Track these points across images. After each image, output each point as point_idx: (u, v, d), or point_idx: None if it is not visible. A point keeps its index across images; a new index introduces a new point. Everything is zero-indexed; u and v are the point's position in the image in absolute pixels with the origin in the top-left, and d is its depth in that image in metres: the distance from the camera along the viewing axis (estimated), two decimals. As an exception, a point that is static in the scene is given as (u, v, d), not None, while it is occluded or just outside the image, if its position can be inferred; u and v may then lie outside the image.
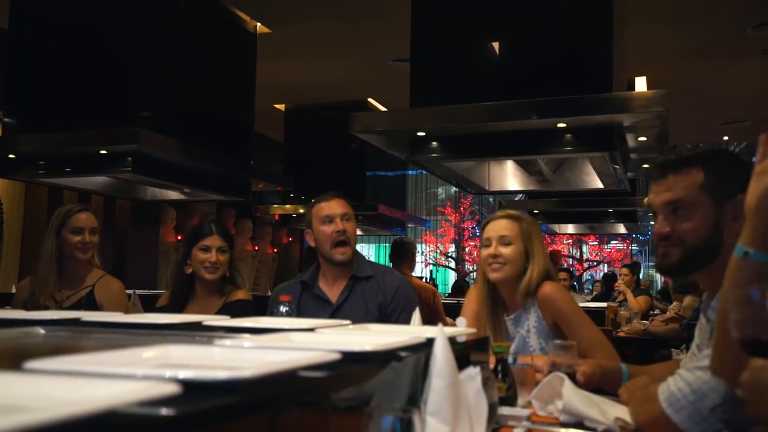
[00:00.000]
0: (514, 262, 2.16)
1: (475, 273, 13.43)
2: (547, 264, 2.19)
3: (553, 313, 2.12)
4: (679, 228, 1.41)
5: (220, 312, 2.57)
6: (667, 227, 1.42)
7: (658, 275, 12.67)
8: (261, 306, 3.09)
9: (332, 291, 2.48)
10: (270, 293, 3.95)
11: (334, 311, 2.41)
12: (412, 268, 5.03)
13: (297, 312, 2.41)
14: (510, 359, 1.67)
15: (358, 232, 4.92)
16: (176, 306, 2.58)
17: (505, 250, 2.17)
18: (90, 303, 2.71)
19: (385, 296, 2.42)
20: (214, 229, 2.65)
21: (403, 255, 4.93)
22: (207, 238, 2.60)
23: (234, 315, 2.27)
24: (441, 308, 4.89)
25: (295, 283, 2.59)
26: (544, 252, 2.19)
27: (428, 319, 3.37)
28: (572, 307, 2.13)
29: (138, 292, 3.64)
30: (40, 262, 2.71)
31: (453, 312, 4.62)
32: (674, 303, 5.71)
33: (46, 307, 2.61)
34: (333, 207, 2.47)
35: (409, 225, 8.68)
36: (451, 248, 14.17)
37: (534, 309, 2.17)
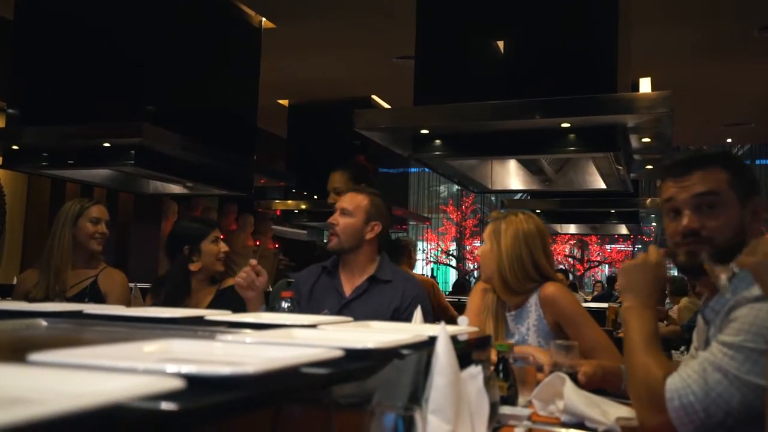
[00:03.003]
0: (484, 264, 2.23)
1: (476, 271, 13.44)
2: (519, 260, 2.15)
3: (556, 314, 2.12)
4: (709, 225, 1.37)
5: (215, 299, 2.57)
6: (696, 222, 1.38)
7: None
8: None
9: (348, 285, 2.47)
10: (271, 288, 3.95)
11: (345, 305, 2.40)
12: (411, 266, 5.04)
13: (309, 294, 2.42)
14: (512, 359, 1.67)
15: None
16: (174, 302, 2.51)
17: (480, 253, 2.26)
18: (94, 292, 2.72)
19: (401, 302, 2.41)
20: (212, 221, 2.68)
21: (400, 253, 4.94)
22: (214, 231, 2.62)
23: (228, 302, 2.28)
24: (443, 298, 4.91)
25: (315, 266, 2.55)
26: (514, 248, 2.15)
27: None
28: (575, 308, 2.12)
29: (139, 285, 3.63)
30: (56, 252, 2.69)
31: (455, 310, 4.62)
32: (673, 306, 5.70)
33: (58, 295, 2.61)
34: (342, 198, 2.48)
35: (411, 222, 8.67)
36: (453, 246, 14.17)
37: (535, 307, 2.17)
